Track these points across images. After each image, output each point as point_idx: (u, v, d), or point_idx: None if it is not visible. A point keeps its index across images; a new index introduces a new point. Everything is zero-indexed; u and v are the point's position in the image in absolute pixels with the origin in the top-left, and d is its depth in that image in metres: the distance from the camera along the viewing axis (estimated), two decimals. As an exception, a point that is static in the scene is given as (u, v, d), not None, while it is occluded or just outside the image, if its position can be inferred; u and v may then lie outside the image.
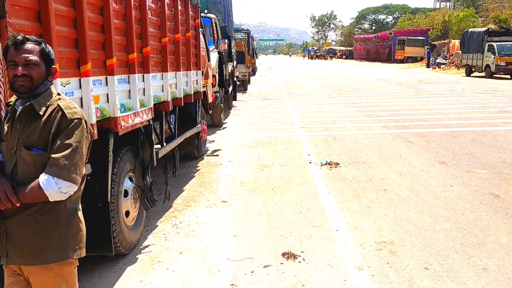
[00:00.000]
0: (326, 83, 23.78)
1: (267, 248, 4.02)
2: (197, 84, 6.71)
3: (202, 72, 7.22)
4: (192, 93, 6.22)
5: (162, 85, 4.93)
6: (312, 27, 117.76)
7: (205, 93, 7.65)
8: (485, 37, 26.83)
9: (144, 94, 4.27)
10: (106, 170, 3.46)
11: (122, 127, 3.60)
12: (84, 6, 2.96)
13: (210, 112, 8.32)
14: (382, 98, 16.02)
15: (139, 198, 4.21)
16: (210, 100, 8.18)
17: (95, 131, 3.07)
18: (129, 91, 3.93)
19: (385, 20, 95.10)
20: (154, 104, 4.54)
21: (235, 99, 14.45)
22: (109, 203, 3.47)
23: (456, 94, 16.67)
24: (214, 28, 10.47)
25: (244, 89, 20.35)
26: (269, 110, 13.49)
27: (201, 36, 6.98)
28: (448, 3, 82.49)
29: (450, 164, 6.73)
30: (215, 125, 10.48)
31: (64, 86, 2.80)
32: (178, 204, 5.26)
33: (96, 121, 3.15)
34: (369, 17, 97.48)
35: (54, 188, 1.84)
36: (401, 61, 53.11)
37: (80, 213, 2.06)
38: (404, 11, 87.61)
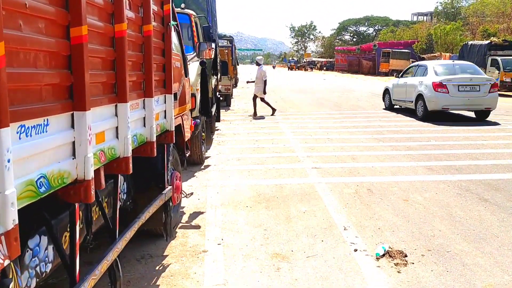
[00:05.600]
0: (319, 99, 21.05)
1: None
2: (164, 118, 3.82)
3: (175, 94, 4.35)
4: (154, 138, 3.32)
5: (73, 142, 2.03)
6: (292, 37, 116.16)
7: (179, 127, 4.76)
8: (488, 51, 24.73)
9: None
10: None
11: None
12: None
13: (188, 154, 5.41)
14: (395, 120, 13.36)
15: None
16: (188, 135, 5.28)
17: None
18: None
19: (366, 32, 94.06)
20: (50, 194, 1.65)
21: (218, 120, 11.49)
22: None
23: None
24: (194, 28, 7.58)
25: (227, 104, 17.43)
26: (262, 136, 10.60)
27: (174, 34, 4.11)
28: (425, 17, 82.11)
29: None
30: (194, 162, 7.56)
31: None
32: None
33: None
34: (350, 28, 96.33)
35: None
36: (386, 74, 51.08)
37: None
38: (386, 23, 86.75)
